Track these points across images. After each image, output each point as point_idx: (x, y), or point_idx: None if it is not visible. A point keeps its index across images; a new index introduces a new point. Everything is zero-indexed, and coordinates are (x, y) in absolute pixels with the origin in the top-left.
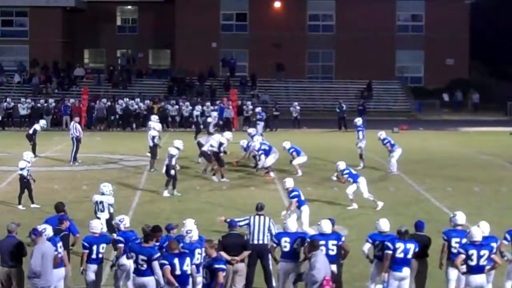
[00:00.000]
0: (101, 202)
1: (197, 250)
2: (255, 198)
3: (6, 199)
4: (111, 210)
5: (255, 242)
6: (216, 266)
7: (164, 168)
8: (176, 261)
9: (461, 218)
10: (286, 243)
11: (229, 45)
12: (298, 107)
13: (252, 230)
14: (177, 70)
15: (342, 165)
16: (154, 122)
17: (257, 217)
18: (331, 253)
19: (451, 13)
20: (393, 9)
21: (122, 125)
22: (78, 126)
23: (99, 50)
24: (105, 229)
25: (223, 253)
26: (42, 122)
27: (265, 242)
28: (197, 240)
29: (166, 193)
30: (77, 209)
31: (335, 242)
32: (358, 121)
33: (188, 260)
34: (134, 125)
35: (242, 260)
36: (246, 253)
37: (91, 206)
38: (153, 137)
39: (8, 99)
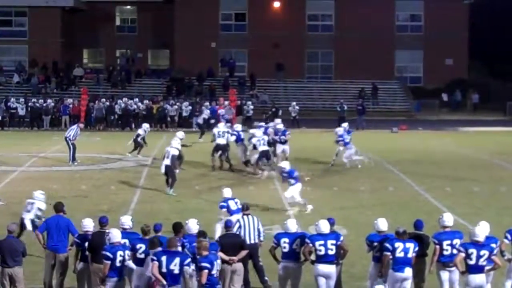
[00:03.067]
0: (32, 203)
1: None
2: (254, 197)
3: (4, 198)
4: (39, 213)
5: (248, 242)
6: (200, 264)
7: (164, 168)
8: (163, 258)
9: (448, 219)
10: (285, 243)
11: (228, 45)
12: (296, 107)
13: (244, 232)
14: (176, 70)
15: (285, 165)
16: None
17: (245, 217)
18: (330, 253)
19: (450, 13)
20: (392, 9)
21: (121, 125)
22: (79, 132)
23: (98, 50)
24: (29, 228)
25: (221, 254)
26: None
27: (256, 241)
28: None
29: (170, 191)
30: (76, 209)
31: (334, 241)
32: (339, 131)
33: (177, 260)
34: (133, 125)
35: (239, 260)
36: (243, 253)
37: (90, 206)
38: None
39: (12, 99)
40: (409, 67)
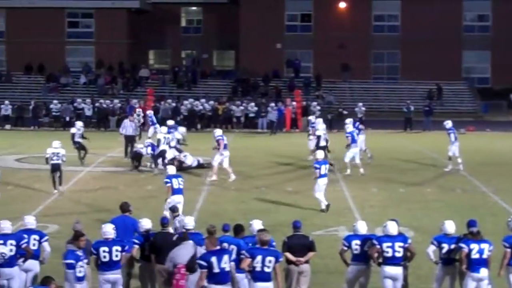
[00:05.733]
0: None
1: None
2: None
3: (72, 198)
4: None
5: None
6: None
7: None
8: (213, 259)
9: None
10: (356, 245)
11: (293, 45)
12: (363, 108)
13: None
14: (241, 71)
15: (218, 132)
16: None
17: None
18: (397, 255)
19: None
20: (459, 9)
21: (187, 125)
22: (128, 124)
23: (164, 51)
24: None
25: (288, 254)
26: (79, 124)
27: None
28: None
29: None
30: (142, 209)
31: (401, 244)
32: (447, 124)
33: (226, 257)
34: (199, 126)
35: (306, 261)
36: (311, 254)
37: (155, 207)
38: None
39: (78, 100)
40: (477, 68)
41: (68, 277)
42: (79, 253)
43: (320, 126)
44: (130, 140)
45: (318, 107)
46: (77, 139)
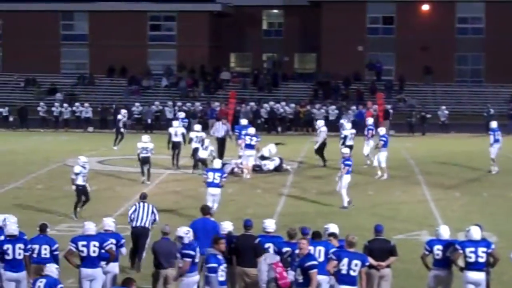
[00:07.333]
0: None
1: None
2: (400, 204)
3: (152, 200)
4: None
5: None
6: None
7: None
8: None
9: None
10: (438, 250)
11: (375, 48)
12: (446, 111)
13: (138, 215)
14: (322, 73)
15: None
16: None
17: (141, 203)
18: (481, 260)
19: None
20: None
21: (267, 128)
22: (220, 126)
23: (245, 54)
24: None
25: (369, 259)
26: (175, 123)
27: (148, 225)
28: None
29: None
30: (222, 212)
31: (485, 249)
32: (492, 124)
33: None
34: (279, 129)
35: (388, 266)
36: (392, 259)
37: (236, 209)
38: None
39: (156, 102)
40: None
41: (210, 281)
42: (220, 256)
43: (347, 125)
44: (221, 142)
45: (391, 111)
46: (174, 139)
